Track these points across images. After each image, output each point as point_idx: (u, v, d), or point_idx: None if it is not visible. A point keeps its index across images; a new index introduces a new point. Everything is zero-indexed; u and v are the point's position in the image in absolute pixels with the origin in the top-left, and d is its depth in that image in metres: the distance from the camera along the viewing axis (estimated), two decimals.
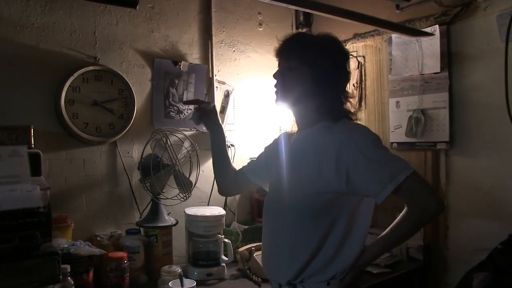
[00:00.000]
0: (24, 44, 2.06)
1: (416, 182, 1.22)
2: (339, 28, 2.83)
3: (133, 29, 2.39)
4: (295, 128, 1.50)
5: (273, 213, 1.46)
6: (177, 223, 2.31)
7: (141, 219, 2.31)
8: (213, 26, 2.68)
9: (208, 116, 1.65)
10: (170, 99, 2.54)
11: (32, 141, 2.01)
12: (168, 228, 2.26)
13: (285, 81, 1.38)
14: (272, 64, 1.48)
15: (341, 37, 2.83)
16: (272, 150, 1.61)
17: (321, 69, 1.34)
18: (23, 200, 1.80)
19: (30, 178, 1.91)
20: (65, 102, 2.12)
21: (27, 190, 1.85)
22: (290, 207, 1.35)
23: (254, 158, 1.76)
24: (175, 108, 2.55)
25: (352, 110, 1.43)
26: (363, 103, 2.72)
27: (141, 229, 2.23)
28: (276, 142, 1.62)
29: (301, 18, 3.02)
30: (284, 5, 1.82)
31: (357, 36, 2.73)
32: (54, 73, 2.12)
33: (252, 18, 2.86)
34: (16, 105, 2.03)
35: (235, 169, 1.76)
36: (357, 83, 2.71)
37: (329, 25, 2.89)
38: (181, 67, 2.55)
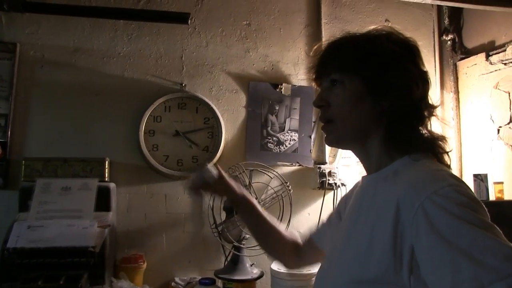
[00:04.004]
0: (110, 74, 2.01)
1: None
2: (497, 25, 2.06)
3: (225, 50, 2.14)
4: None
5: None
6: (260, 276, 1.90)
7: (222, 267, 1.98)
8: (324, 40, 2.24)
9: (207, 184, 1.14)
10: (269, 128, 2.18)
11: (107, 173, 1.91)
12: (248, 282, 1.87)
13: (329, 105, 0.89)
14: None
15: (500, 39, 2.03)
16: (342, 202, 1.09)
17: (375, 72, 0.84)
18: (76, 238, 1.67)
19: (92, 213, 1.80)
20: (144, 133, 1.98)
21: (83, 227, 1.73)
22: None
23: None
24: (274, 138, 2.18)
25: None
26: None
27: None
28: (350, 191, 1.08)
29: (446, 21, 2.29)
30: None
31: None
32: (137, 102, 2.02)
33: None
34: (98, 137, 1.98)
35: (292, 235, 1.23)
36: None
37: (484, 25, 2.15)
38: (282, 90, 2.18)
